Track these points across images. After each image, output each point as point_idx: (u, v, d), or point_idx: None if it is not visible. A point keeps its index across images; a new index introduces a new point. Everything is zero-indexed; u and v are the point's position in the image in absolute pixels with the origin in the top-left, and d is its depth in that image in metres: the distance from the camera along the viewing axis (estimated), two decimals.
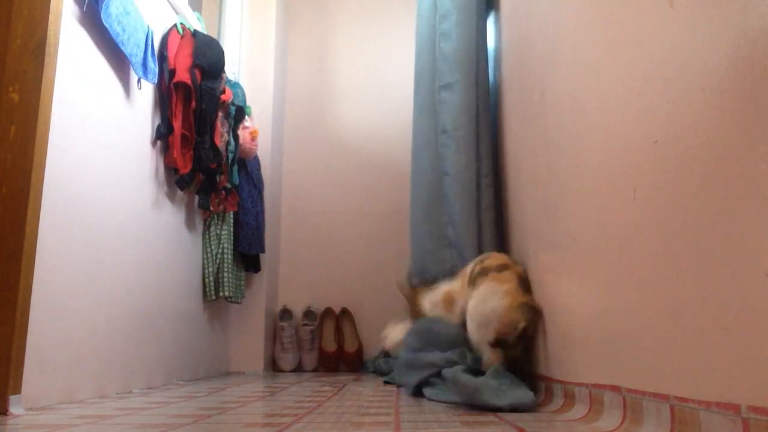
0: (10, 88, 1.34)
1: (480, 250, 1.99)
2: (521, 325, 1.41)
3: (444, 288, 1.73)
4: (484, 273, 1.54)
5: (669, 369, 0.85)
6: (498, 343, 1.44)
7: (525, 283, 1.49)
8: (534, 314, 1.43)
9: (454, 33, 2.15)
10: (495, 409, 1.28)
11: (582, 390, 1.19)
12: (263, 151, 2.88)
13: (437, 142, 2.14)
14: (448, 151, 2.09)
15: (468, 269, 1.69)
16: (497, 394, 1.30)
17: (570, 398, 1.26)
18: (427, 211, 2.16)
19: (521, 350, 1.48)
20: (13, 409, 1.22)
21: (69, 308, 1.46)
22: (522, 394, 1.31)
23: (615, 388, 1.03)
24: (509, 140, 2.01)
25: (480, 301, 1.49)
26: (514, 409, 1.27)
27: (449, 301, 1.68)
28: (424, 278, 2.11)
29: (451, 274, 2.00)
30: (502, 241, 2.06)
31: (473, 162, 2.05)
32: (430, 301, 1.79)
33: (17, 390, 1.25)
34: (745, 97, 0.68)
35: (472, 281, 1.57)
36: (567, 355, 1.31)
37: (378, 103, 3.27)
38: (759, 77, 0.65)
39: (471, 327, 1.52)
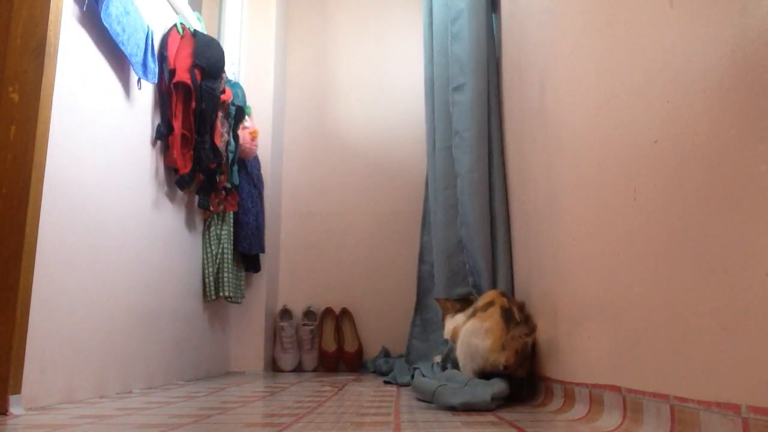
0: (10, 88, 1.34)
1: (493, 252, 1.98)
2: (503, 363, 1.48)
3: (454, 323, 1.81)
4: (474, 313, 1.63)
5: (669, 369, 0.85)
6: (483, 373, 1.52)
7: (508, 315, 1.54)
8: (517, 349, 1.49)
9: (465, 33, 2.14)
10: (450, 408, 1.32)
11: (582, 390, 1.19)
12: (263, 151, 2.88)
13: (452, 144, 2.13)
14: (459, 152, 2.08)
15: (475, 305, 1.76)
16: (452, 394, 1.35)
17: (570, 398, 1.26)
18: (446, 216, 2.15)
19: (523, 371, 1.52)
20: (13, 409, 1.22)
21: (69, 308, 1.46)
22: (473, 395, 1.34)
23: (615, 388, 1.03)
24: (510, 140, 2.01)
25: (467, 336, 1.58)
26: (466, 408, 1.30)
27: (456, 334, 1.76)
28: (448, 288, 2.10)
29: (469, 278, 2.01)
30: (510, 240, 2.05)
31: (483, 162, 2.04)
32: (447, 330, 1.86)
33: (17, 390, 1.25)
34: (745, 97, 0.68)
35: (470, 317, 1.66)
36: (567, 355, 1.31)
37: (378, 103, 3.27)
38: (759, 77, 0.65)
39: (460, 358, 1.62)
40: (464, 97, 2.09)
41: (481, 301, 1.66)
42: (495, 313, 1.54)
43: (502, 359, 1.47)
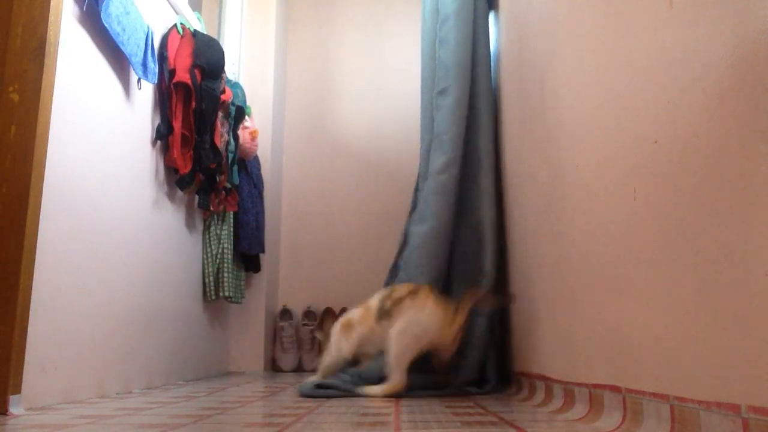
0: (10, 88, 1.34)
1: (474, 255, 1.99)
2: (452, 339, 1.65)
3: (348, 315, 1.86)
4: (398, 303, 1.69)
5: (669, 369, 0.85)
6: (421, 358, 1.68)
7: (438, 295, 1.68)
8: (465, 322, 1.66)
9: (451, 37, 2.15)
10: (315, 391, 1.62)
11: (582, 390, 1.19)
12: (263, 151, 2.88)
13: (432, 148, 2.15)
14: (436, 155, 2.09)
15: (374, 302, 1.78)
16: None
17: (570, 398, 1.26)
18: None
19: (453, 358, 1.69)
20: (13, 409, 1.22)
21: (69, 308, 1.46)
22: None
23: (615, 388, 1.03)
24: (509, 140, 2.01)
25: (413, 321, 1.65)
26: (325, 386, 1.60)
27: (348, 326, 1.80)
28: (394, 279, 2.15)
29: (400, 273, 2.05)
30: (503, 240, 2.06)
31: (455, 162, 2.04)
32: (336, 323, 1.88)
33: (17, 390, 1.25)
34: (745, 97, 0.68)
35: (386, 313, 1.71)
36: (567, 355, 1.31)
37: (378, 103, 3.27)
38: (759, 77, 0.65)
39: (399, 342, 1.65)
40: (446, 101, 2.10)
41: (401, 292, 1.71)
42: (428, 295, 1.67)
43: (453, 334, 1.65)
